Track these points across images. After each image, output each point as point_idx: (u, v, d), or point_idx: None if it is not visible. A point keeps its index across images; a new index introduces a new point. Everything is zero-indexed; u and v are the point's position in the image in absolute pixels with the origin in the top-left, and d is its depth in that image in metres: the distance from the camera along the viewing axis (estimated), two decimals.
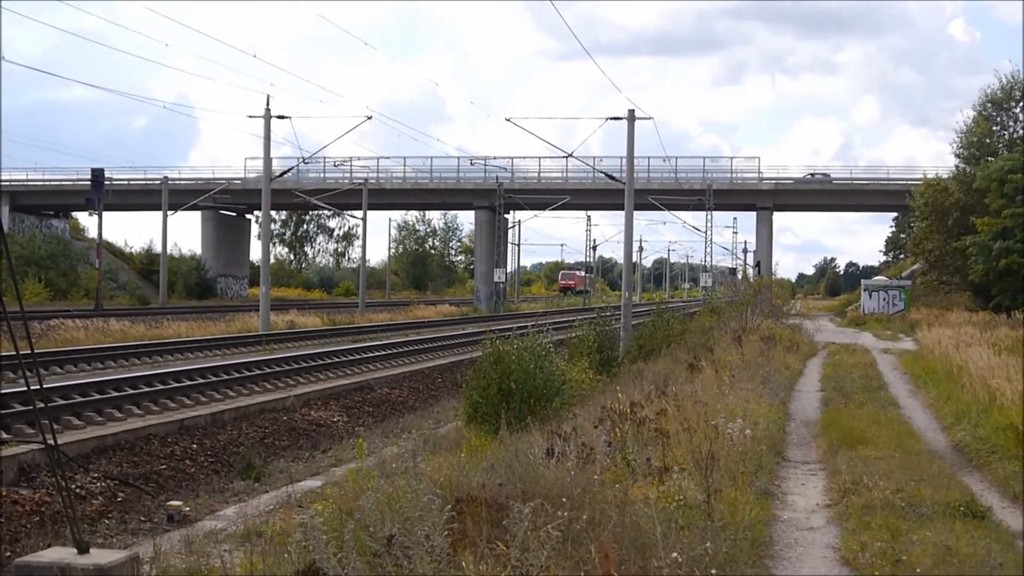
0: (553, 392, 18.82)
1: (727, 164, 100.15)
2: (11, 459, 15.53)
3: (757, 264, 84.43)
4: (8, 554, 12.59)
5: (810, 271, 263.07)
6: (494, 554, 7.87)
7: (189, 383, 24.52)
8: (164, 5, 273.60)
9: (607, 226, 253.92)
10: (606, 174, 54.16)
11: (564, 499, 9.00)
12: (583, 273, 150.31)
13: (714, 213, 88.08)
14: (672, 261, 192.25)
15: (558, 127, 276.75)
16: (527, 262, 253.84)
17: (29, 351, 10.16)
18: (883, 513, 11.38)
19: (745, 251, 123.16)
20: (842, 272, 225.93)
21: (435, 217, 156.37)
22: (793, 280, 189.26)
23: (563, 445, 11.85)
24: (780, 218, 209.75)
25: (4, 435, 16.99)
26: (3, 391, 21.06)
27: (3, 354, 28.67)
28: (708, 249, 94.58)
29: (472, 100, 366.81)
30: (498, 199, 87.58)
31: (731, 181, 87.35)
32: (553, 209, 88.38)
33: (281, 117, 50.65)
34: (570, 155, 51.83)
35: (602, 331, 30.04)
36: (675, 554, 8.13)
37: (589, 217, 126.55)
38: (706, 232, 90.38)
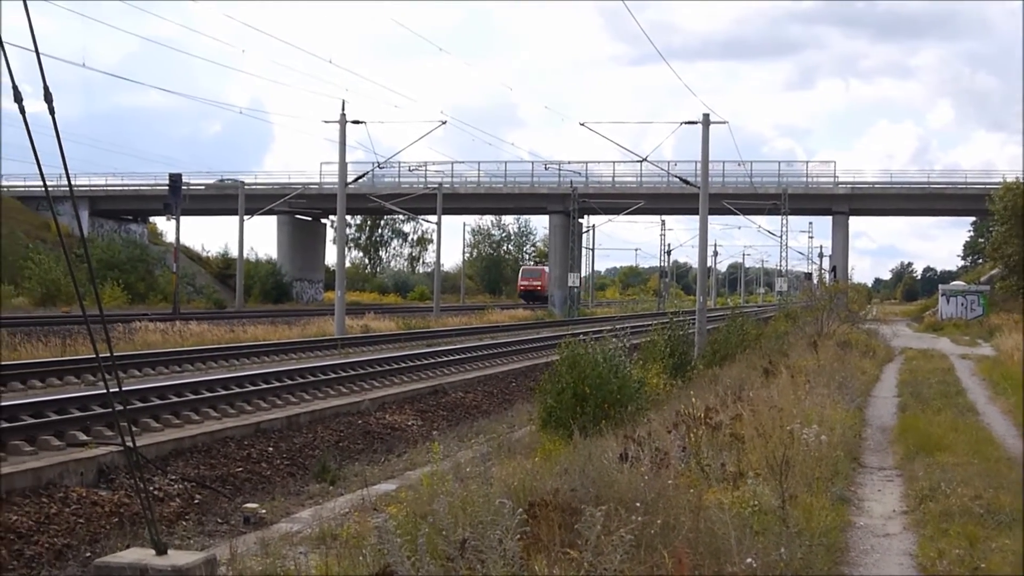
0: (627, 397, 18.79)
1: (802, 168, 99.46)
2: (91, 461, 15.73)
3: (833, 269, 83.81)
4: (88, 554, 12.75)
5: (886, 276, 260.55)
6: (567, 558, 7.88)
7: (265, 386, 24.71)
8: (240, 11, 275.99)
9: (681, 230, 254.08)
10: (680, 178, 53.91)
11: (638, 504, 8.99)
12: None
13: (789, 217, 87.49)
14: (747, 266, 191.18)
15: (631, 131, 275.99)
16: (601, 267, 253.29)
17: (108, 354, 10.28)
18: (961, 520, 11.28)
19: (821, 256, 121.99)
20: (919, 277, 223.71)
21: (509, 221, 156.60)
22: (869, 285, 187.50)
23: (637, 450, 11.85)
24: (856, 222, 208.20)
25: (84, 437, 17.20)
26: (83, 393, 21.33)
27: (83, 357, 29.05)
28: (783, 254, 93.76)
29: (546, 105, 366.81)
30: (572, 203, 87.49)
31: (806, 185, 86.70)
32: (627, 213, 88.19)
33: (356, 122, 50.94)
34: (644, 159, 51.61)
35: (675, 336, 29.93)
36: (749, 560, 8.10)
37: (663, 221, 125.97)
38: (781, 237, 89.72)
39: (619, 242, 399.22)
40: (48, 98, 8.22)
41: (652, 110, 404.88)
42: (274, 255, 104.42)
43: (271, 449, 19.62)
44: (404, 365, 32.84)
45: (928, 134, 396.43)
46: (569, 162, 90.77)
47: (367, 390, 27.40)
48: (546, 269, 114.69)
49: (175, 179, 68.81)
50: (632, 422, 16.99)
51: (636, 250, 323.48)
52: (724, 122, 44.22)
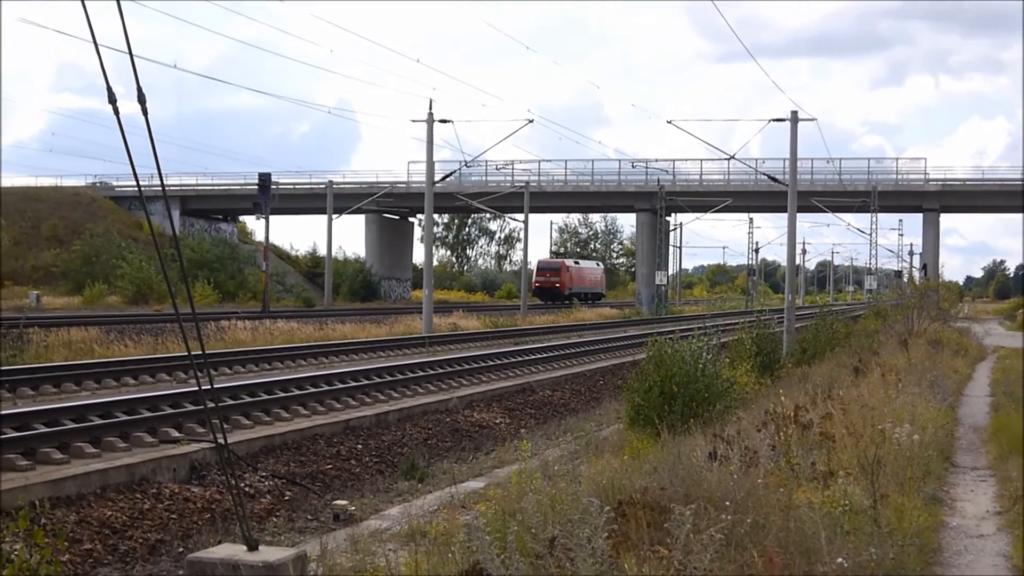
0: (715, 395, 18.70)
1: (892, 165, 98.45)
2: (183, 457, 15.91)
3: (923, 266, 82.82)
4: (181, 549, 12.90)
5: (978, 274, 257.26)
6: (656, 557, 7.86)
7: (354, 384, 24.85)
8: (329, 11, 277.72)
9: (769, 228, 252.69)
10: (769, 176, 53.55)
11: (727, 502, 8.95)
12: (576, 265, 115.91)
13: (879, 215, 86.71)
14: (836, 264, 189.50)
15: (718, 129, 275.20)
16: (688, 264, 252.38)
17: (201, 352, 10.39)
18: None
19: (911, 253, 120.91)
20: (1012, 275, 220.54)
21: (596, 219, 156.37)
22: (960, 283, 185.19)
23: (726, 448, 11.79)
24: (947, 220, 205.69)
25: (176, 434, 17.41)
26: (176, 391, 21.60)
27: (175, 355, 29.40)
28: (873, 251, 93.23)
29: (633, 103, 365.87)
30: (659, 201, 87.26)
31: (896, 183, 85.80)
32: (715, 211, 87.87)
33: (443, 121, 51.09)
34: (732, 157, 51.30)
35: (763, 334, 29.77)
36: (840, 559, 8.04)
37: (751, 219, 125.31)
38: (871, 234, 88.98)
39: (706, 240, 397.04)
40: (142, 100, 8.32)
41: (739, 107, 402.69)
42: (362, 254, 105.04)
43: (360, 446, 19.73)
44: (491, 363, 32.90)
45: (1020, 129, 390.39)
46: (656, 160, 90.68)
47: (455, 388, 27.48)
48: (567, 263, 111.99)
49: (264, 178, 69.44)
50: (720, 420, 16.91)
51: (724, 248, 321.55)
52: (813, 119, 43.83)
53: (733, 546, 8.09)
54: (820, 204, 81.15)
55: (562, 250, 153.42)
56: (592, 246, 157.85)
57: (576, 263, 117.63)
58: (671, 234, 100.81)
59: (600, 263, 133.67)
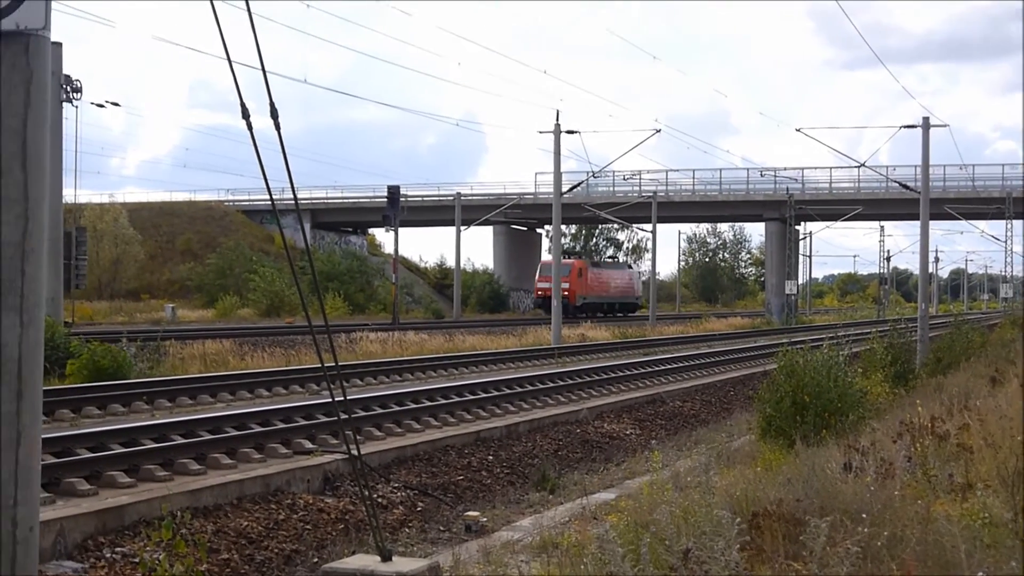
0: (848, 406, 18.46)
1: None
2: (316, 468, 16.09)
3: None
4: (315, 560, 13.05)
5: None
6: (792, 570, 7.78)
7: (484, 395, 24.96)
8: (455, 23, 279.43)
9: (900, 236, 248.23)
10: (900, 183, 52.84)
11: (863, 515, 8.83)
12: (596, 268, 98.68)
13: (1015, 222, 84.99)
14: (969, 271, 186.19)
15: (846, 136, 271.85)
16: (818, 273, 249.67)
17: (333, 364, 10.51)
18: None
19: None
20: None
21: (724, 229, 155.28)
22: None
23: (861, 460, 11.63)
24: None
25: (309, 445, 17.62)
26: (308, 402, 21.86)
27: (307, 366, 29.75)
28: (1008, 259, 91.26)
29: (760, 111, 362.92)
30: (788, 210, 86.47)
31: None
32: (845, 220, 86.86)
33: (570, 132, 51.15)
34: (862, 164, 50.85)
35: (896, 343, 29.33)
36: (980, 573, 7.89)
37: (882, 227, 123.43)
38: (1006, 242, 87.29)
39: (836, 248, 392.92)
40: (274, 115, 8.45)
41: (868, 114, 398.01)
42: (490, 265, 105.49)
43: (491, 458, 19.80)
44: (621, 374, 32.83)
45: None
46: (784, 168, 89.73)
47: (585, 399, 27.47)
48: (581, 264, 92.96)
49: (393, 191, 70.08)
50: (854, 431, 16.69)
51: (854, 257, 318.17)
52: (944, 125, 43.33)
53: (870, 559, 7.98)
54: (953, 211, 79.84)
55: (690, 260, 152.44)
56: (721, 256, 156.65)
57: (596, 264, 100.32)
58: (800, 243, 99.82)
59: (632, 265, 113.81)
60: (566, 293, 79.42)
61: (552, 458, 20.68)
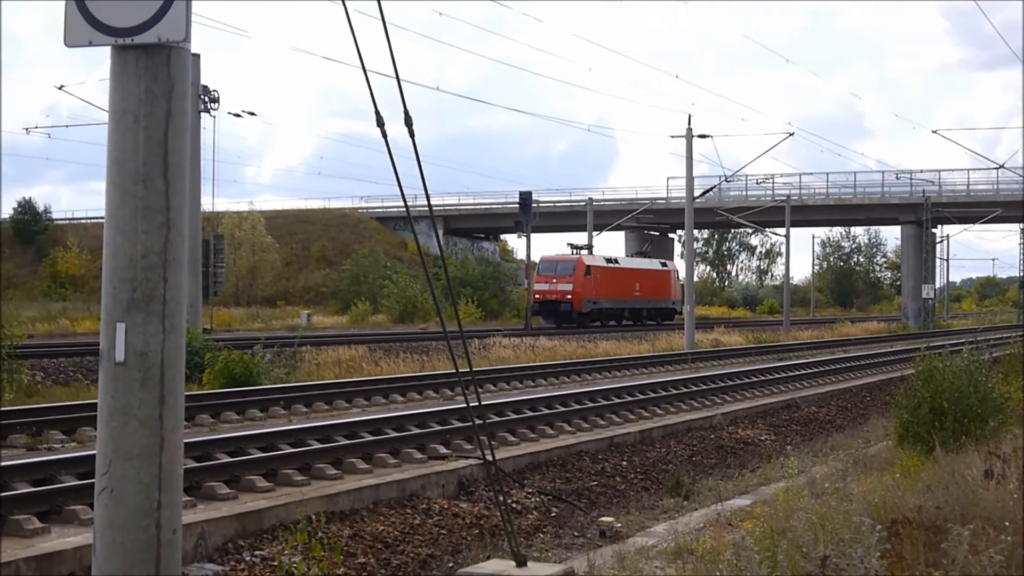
0: (989, 411, 18.11)
1: None
2: (451, 473, 16.17)
3: None
4: (451, 564, 13.11)
5: None
6: None
7: (617, 401, 24.91)
8: (588, 29, 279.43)
9: None
10: None
11: (1006, 523, 8.66)
12: (610, 265, 76.79)
13: None
14: None
15: (984, 138, 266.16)
16: (956, 277, 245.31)
17: (468, 369, 10.57)
18: None
19: None
20: None
21: (859, 232, 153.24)
22: None
23: (1002, 467, 11.42)
24: None
25: (444, 450, 17.71)
26: (442, 408, 22.00)
27: (440, 372, 29.94)
28: None
29: (896, 113, 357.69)
30: (925, 213, 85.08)
31: None
32: (983, 222, 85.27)
33: (702, 136, 51.09)
34: (1001, 166, 49.92)
35: None
36: None
37: (1023, 230, 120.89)
38: None
39: (974, 252, 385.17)
40: (408, 123, 8.53)
41: (1006, 115, 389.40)
42: None
43: (624, 463, 19.74)
44: (755, 379, 32.55)
45: None
46: (920, 171, 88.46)
47: (718, 404, 27.27)
48: (590, 260, 74.34)
49: (525, 197, 70.22)
50: (994, 438, 16.38)
51: (993, 260, 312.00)
52: None
53: (1014, 568, 7.82)
54: None
55: (824, 265, 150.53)
56: (855, 259, 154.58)
57: (612, 261, 78.94)
58: (937, 246, 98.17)
59: (667, 262, 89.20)
60: (568, 296, 70.33)
61: (686, 464, 20.56)
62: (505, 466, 17.28)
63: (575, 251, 75.59)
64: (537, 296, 70.92)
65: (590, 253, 75.90)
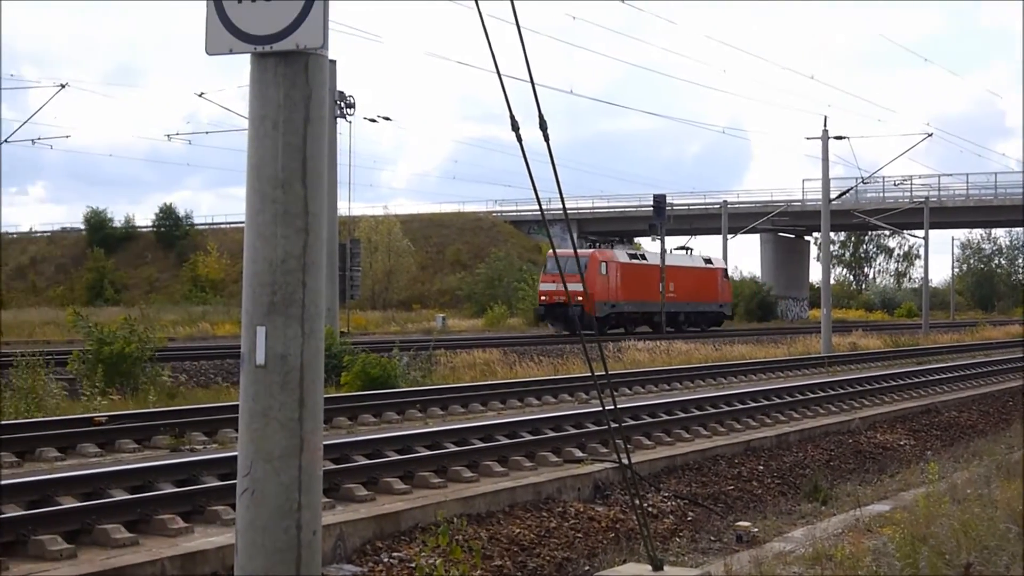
0: None
1: None
2: (587, 477, 16.16)
3: None
4: (587, 568, 13.10)
5: None
6: None
7: (753, 405, 24.71)
8: (722, 31, 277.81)
9: None
10: None
11: None
12: (633, 261, 67.48)
13: None
14: None
15: None
16: None
17: (604, 372, 10.55)
18: None
19: None
20: None
21: (1000, 234, 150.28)
22: None
23: None
24: None
25: (579, 453, 17.71)
26: (577, 411, 21.99)
27: (575, 375, 29.94)
28: None
29: None
30: None
31: None
32: None
33: (838, 138, 50.45)
34: None
35: None
36: None
37: None
38: None
39: None
40: (543, 126, 8.54)
41: None
42: (758, 273, 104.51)
43: (761, 468, 19.56)
44: (893, 383, 32.07)
45: None
46: None
47: (856, 408, 26.90)
48: (605, 256, 65.10)
49: (659, 199, 70.01)
50: None
51: None
52: None
53: None
54: None
55: (964, 267, 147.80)
56: (996, 262, 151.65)
57: (639, 256, 69.71)
58: None
59: (713, 259, 79.17)
60: (579, 299, 55.62)
61: (823, 468, 20.32)
62: (641, 469, 17.22)
63: (594, 246, 67.52)
64: (543, 298, 62.28)
65: (612, 247, 67.69)
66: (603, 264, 63.54)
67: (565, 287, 53.71)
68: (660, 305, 66.97)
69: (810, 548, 12.55)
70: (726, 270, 77.75)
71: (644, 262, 68.22)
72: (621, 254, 66.63)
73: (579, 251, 60.16)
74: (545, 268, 64.96)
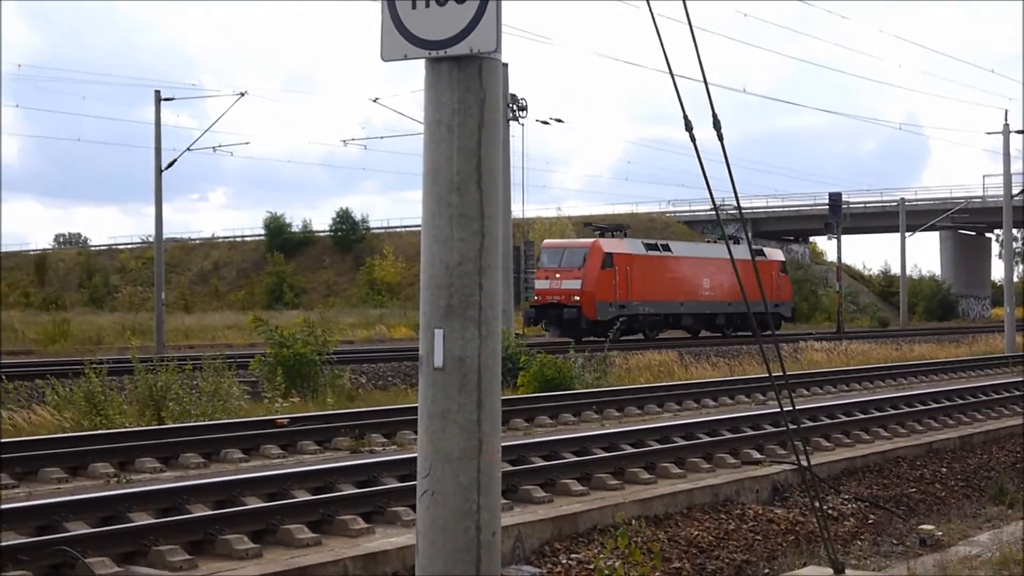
0: None
1: None
2: (765, 479, 15.99)
3: None
4: (766, 571, 12.97)
5: None
6: None
7: (935, 405, 24.24)
8: (898, 25, 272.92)
9: None
10: None
11: None
12: (648, 253, 54.96)
13: None
14: None
15: None
16: None
17: (781, 373, 10.45)
18: None
19: None
20: None
21: None
22: None
23: None
24: None
25: (757, 455, 17.54)
26: (754, 412, 21.80)
27: (751, 376, 29.69)
28: None
29: None
30: None
31: None
32: None
33: (1020, 132, 49.14)
34: None
35: None
36: None
37: None
38: None
39: None
40: (717, 126, 8.49)
41: None
42: (937, 271, 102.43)
43: (944, 470, 19.14)
44: None
45: None
46: None
47: None
48: (610, 246, 53.07)
49: (835, 198, 69.05)
50: None
51: None
52: None
53: None
54: None
55: None
56: None
57: (659, 247, 57.08)
58: None
59: (764, 250, 68.68)
60: (576, 298, 50.30)
61: (1010, 471, 19.79)
62: (820, 471, 16.99)
63: (604, 235, 55.29)
64: (536, 298, 50.61)
65: (624, 236, 56.17)
66: (607, 256, 51.80)
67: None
68: (692, 305, 56.67)
69: (997, 552, 12.26)
70: (783, 263, 66.10)
71: (666, 254, 56.34)
72: (634, 244, 55.20)
73: (578, 241, 56.83)
74: (539, 262, 52.37)
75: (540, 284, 50.00)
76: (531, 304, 50.33)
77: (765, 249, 67.44)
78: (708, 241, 66.72)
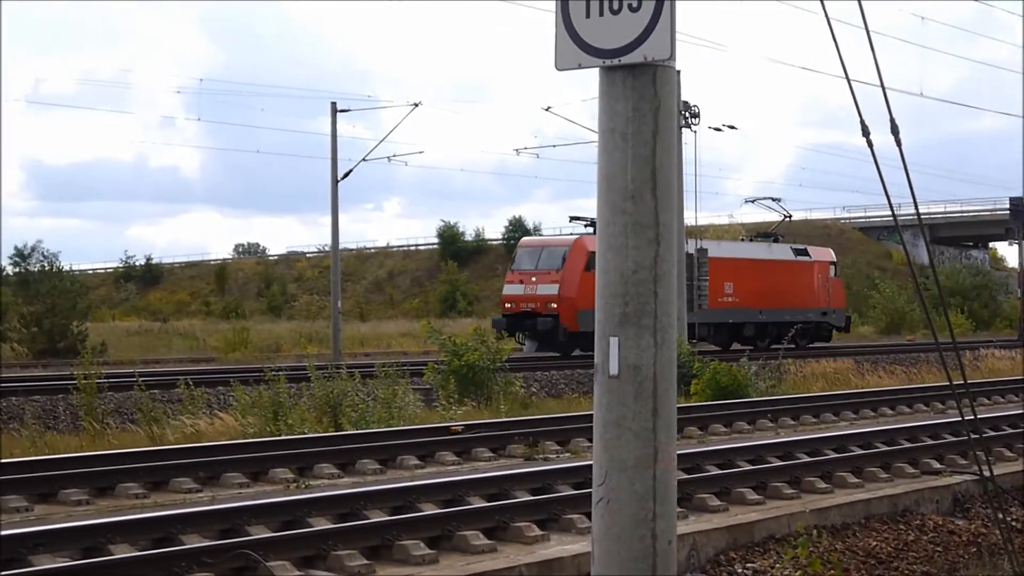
0: None
1: None
2: (945, 489, 15.67)
3: None
4: None
5: None
6: None
7: None
8: None
9: None
10: None
11: None
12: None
13: None
14: None
15: None
16: None
17: (962, 382, 10.23)
18: None
19: None
20: None
21: None
22: None
23: None
24: None
25: (937, 465, 17.19)
26: (934, 421, 21.38)
27: (930, 384, 29.11)
28: None
29: None
30: None
31: None
32: None
33: None
34: None
35: None
36: None
37: None
38: None
39: None
40: (894, 131, 8.35)
41: None
42: None
43: None
44: None
45: None
46: None
47: None
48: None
49: (1016, 202, 67.30)
50: None
51: None
52: None
53: None
54: None
55: None
56: None
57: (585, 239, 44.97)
58: None
59: (809, 249, 56.82)
60: (553, 305, 42.21)
61: None
62: (1003, 482, 16.55)
63: (590, 226, 42.13)
64: (507, 305, 44.40)
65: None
66: (592, 256, 31.79)
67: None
68: (713, 313, 46.45)
69: None
70: (834, 263, 56.43)
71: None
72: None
73: (558, 238, 51.14)
74: (512, 264, 46.65)
75: (511, 289, 44.44)
76: (503, 313, 44.49)
77: (810, 248, 57.04)
78: (741, 239, 60.18)
